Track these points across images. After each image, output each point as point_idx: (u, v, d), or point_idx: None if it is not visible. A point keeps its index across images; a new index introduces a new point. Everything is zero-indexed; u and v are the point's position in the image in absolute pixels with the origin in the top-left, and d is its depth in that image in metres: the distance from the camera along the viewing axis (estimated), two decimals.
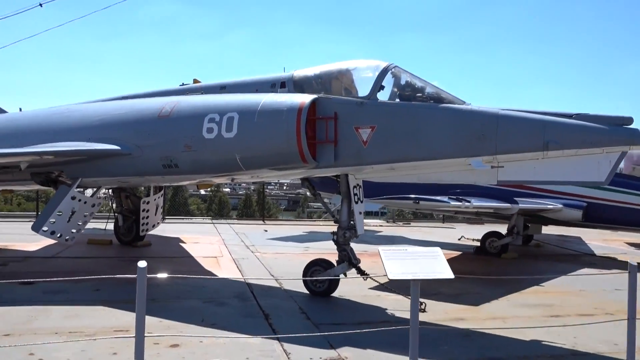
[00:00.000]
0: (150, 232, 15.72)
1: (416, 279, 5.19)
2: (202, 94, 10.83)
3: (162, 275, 6.59)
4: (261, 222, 24.87)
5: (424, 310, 8.68)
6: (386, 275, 5.47)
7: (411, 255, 5.63)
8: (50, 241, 11.75)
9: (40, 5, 19.09)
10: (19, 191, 21.27)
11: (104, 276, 6.15)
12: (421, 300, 8.94)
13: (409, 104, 8.86)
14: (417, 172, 9.12)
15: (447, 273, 5.41)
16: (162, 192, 14.91)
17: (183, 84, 11.66)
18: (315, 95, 9.20)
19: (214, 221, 24.27)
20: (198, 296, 9.30)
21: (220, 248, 15.52)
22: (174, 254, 14.46)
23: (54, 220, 10.67)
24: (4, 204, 47.53)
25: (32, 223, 11.16)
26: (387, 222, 26.01)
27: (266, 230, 20.58)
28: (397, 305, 9.14)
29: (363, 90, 9.21)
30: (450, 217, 25.80)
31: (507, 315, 8.93)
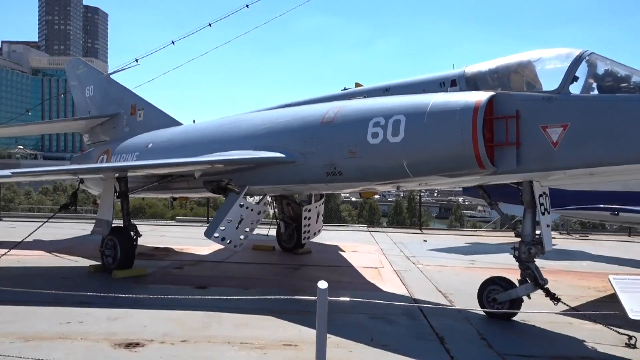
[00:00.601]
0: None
1: None
2: (364, 97, 10.37)
3: (344, 298, 6.09)
4: (418, 230, 23.93)
5: (634, 346, 7.17)
6: (626, 314, 4.24)
7: None
8: (219, 245, 12.20)
9: (210, 25, 20.59)
10: (193, 198, 23.08)
11: (286, 297, 5.87)
12: (630, 333, 7.45)
13: (612, 96, 7.44)
14: (625, 178, 7.60)
15: None
16: (323, 199, 14.81)
17: (345, 89, 11.33)
18: (493, 92, 8.19)
19: (370, 229, 23.93)
20: (364, 310, 8.74)
21: (380, 258, 14.97)
22: (334, 262, 14.24)
23: (223, 227, 11.00)
24: (179, 208, 52.89)
25: (202, 227, 11.69)
26: (560, 233, 23.30)
27: (425, 240, 19.62)
28: (597, 337, 7.68)
29: (551, 83, 7.97)
30: (632, 229, 22.31)
31: None
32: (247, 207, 11.24)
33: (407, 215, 68.09)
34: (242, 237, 11.31)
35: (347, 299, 5.84)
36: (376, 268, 13.30)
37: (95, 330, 7.41)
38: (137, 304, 8.49)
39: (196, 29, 20.20)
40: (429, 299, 9.95)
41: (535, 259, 8.49)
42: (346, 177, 9.75)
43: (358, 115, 9.52)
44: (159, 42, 22.37)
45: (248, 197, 11.76)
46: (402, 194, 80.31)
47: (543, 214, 8.39)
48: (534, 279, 8.37)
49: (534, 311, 8.29)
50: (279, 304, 8.88)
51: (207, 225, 11.71)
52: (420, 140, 8.54)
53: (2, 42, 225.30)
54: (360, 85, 11.19)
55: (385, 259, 14.76)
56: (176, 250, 15.86)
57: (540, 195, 8.39)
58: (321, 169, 9.94)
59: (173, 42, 20.70)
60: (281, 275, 12.35)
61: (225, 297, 8.93)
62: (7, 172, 11.39)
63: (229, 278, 11.71)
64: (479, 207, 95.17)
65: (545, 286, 8.38)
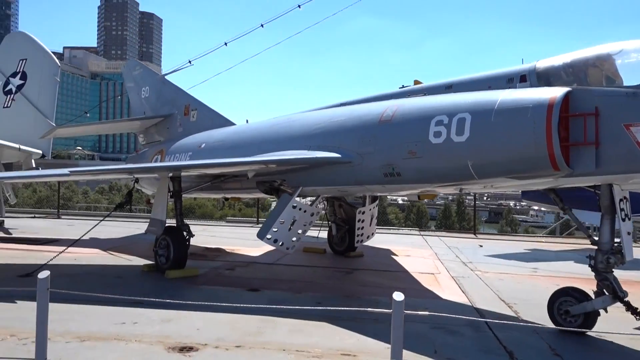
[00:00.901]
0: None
1: None
2: (424, 95, 9.89)
3: (423, 312, 5.67)
4: (472, 235, 23.06)
5: None
6: None
7: None
8: (270, 246, 12.00)
9: (262, 25, 20.53)
10: (245, 199, 23.08)
11: (359, 308, 5.49)
12: None
13: None
14: None
15: None
16: (377, 201, 14.37)
17: (403, 86, 10.87)
18: (568, 88, 7.56)
19: (422, 233, 23.26)
20: (425, 319, 8.25)
21: (435, 263, 14.38)
22: (387, 267, 13.76)
23: (276, 229, 10.74)
24: (227, 209, 53.56)
25: (252, 228, 11.48)
26: None
27: (481, 246, 18.80)
28: None
29: (635, 77, 7.29)
30: None
31: None
32: (300, 209, 10.96)
33: (456, 219, 66.41)
34: (294, 239, 11.04)
35: (426, 312, 5.40)
36: (432, 274, 12.74)
37: (149, 332, 7.27)
38: (190, 306, 8.33)
39: (248, 30, 20.17)
40: (491, 308, 9.37)
41: (613, 270, 7.80)
42: (405, 179, 9.30)
43: (419, 114, 9.06)
44: (211, 45, 22.65)
45: (301, 198, 11.48)
46: (450, 197, 78.30)
47: (623, 220, 7.68)
48: (612, 291, 7.67)
49: (608, 330, 7.58)
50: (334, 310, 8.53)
51: (257, 226, 11.51)
52: (487, 139, 8.01)
53: (64, 47, 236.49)
54: (420, 83, 10.72)
55: (441, 265, 14.16)
56: (227, 250, 15.79)
57: (621, 200, 7.69)
58: (378, 169, 9.54)
59: (226, 44, 20.76)
60: (334, 279, 12.00)
61: (278, 300, 8.65)
62: (65, 170, 11.57)
63: (281, 281, 11.46)
64: (531, 212, 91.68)
65: (626, 299, 7.67)
